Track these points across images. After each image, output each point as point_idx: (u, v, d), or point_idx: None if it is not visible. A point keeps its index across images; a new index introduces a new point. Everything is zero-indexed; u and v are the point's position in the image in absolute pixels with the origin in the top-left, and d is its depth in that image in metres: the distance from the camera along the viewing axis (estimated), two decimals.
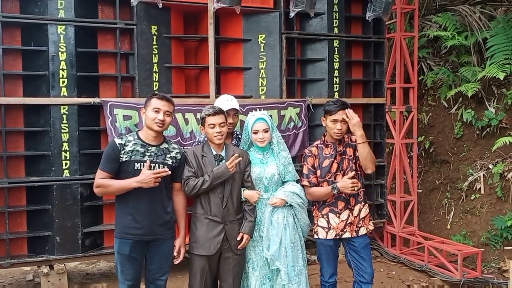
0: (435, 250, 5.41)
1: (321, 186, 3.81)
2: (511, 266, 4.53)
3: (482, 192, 6.13)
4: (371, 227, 3.93)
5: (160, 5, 4.40)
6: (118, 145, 3.36)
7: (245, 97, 5.27)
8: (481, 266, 5.26)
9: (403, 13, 5.98)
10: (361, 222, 3.85)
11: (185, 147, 4.21)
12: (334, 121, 3.72)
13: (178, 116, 4.90)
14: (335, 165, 3.80)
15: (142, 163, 3.37)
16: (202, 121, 3.63)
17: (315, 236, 3.88)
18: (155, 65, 4.95)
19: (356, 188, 3.61)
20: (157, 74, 4.96)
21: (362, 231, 3.85)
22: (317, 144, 3.91)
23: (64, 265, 4.73)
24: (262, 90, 5.39)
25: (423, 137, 6.86)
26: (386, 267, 5.69)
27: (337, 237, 3.80)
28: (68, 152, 4.62)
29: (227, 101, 3.94)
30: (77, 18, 4.61)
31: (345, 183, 3.61)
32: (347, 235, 3.80)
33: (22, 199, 4.69)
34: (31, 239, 4.68)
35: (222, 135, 3.57)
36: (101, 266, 5.77)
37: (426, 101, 7.08)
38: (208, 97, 5.08)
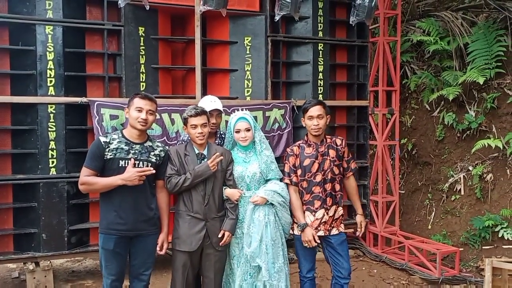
0: (416, 249, 5.54)
1: (301, 184, 3.93)
2: (487, 265, 4.65)
3: (462, 193, 6.28)
4: (341, 229, 4.03)
5: (148, 7, 4.50)
6: (103, 143, 3.44)
7: (231, 99, 5.37)
8: (460, 265, 5.40)
9: (386, 18, 6.12)
10: (333, 223, 3.97)
11: (169, 146, 4.29)
12: (310, 117, 3.85)
13: (164, 116, 4.99)
14: (316, 165, 3.91)
15: (126, 161, 3.45)
16: (184, 121, 3.72)
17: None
18: (142, 66, 5.04)
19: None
20: (144, 74, 5.05)
21: (334, 231, 3.96)
22: (299, 144, 4.02)
23: (50, 262, 4.79)
24: (248, 91, 5.49)
25: (406, 139, 7.01)
26: (368, 265, 5.81)
27: None
28: (54, 151, 4.69)
29: (210, 102, 4.03)
30: (65, 19, 4.68)
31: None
32: (320, 233, 3.91)
33: (8, 196, 4.74)
34: (17, 236, 4.73)
35: (204, 136, 3.66)
36: (87, 264, 5.83)
37: (409, 104, 7.24)
38: (194, 97, 5.17)
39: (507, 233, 5.50)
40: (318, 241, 3.89)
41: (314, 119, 3.83)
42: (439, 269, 5.15)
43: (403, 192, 6.87)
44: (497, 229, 5.60)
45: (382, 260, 5.86)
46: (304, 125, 4.00)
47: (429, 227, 6.43)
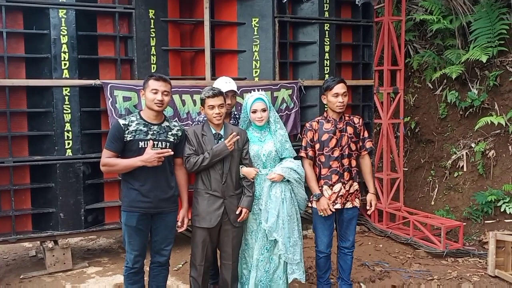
0: (420, 224, 5.71)
1: (319, 158, 4.06)
2: (491, 237, 4.82)
3: (465, 169, 6.43)
4: (356, 203, 4.17)
5: None
6: (122, 125, 3.55)
7: (239, 79, 5.46)
8: (463, 239, 5.58)
9: None
10: (349, 197, 4.11)
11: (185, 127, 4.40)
12: (335, 95, 3.96)
13: (175, 97, 5.08)
14: (334, 140, 4.03)
15: (145, 142, 3.56)
16: (201, 102, 3.82)
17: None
18: (153, 48, 5.13)
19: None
20: (154, 56, 5.14)
21: (348, 205, 4.11)
22: (318, 119, 4.14)
23: (68, 240, 4.93)
24: (256, 72, 5.59)
25: (409, 117, 7.14)
26: (374, 241, 5.98)
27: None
28: (70, 132, 4.80)
29: (225, 83, 4.13)
30: (77, 2, 4.75)
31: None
32: (337, 206, 4.05)
33: (26, 177, 4.88)
34: (36, 216, 4.88)
35: (220, 116, 3.77)
36: (101, 242, 5.99)
37: (412, 83, 7.34)
38: (204, 79, 5.27)
39: (509, 208, 5.65)
40: (334, 210, 4.02)
41: (340, 96, 3.94)
42: (443, 243, 5.33)
43: (406, 169, 7.02)
44: (499, 204, 5.76)
45: (387, 235, 6.04)
46: (325, 102, 4.08)
47: (432, 203, 6.60)
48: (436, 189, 6.67)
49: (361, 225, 6.39)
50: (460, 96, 6.57)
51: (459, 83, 6.68)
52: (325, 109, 4.15)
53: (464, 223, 5.81)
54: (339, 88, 3.96)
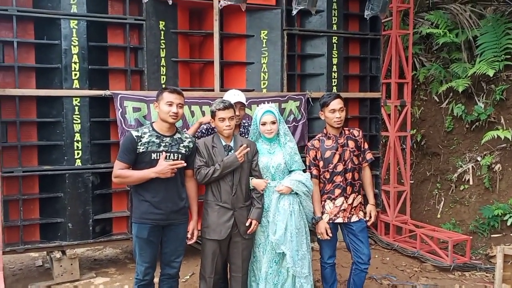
0: (427, 238, 5.71)
1: (323, 175, 4.08)
2: (498, 252, 4.81)
3: (471, 183, 6.44)
4: (361, 216, 4.20)
5: (170, 2, 4.59)
6: (135, 137, 3.57)
7: (248, 91, 5.48)
8: (470, 252, 5.57)
9: (398, 11, 6.23)
10: (353, 210, 4.13)
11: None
12: (332, 110, 4.00)
13: (185, 108, 5.06)
14: (337, 156, 4.06)
15: (158, 153, 3.58)
16: (212, 114, 3.84)
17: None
18: (163, 59, 5.16)
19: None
20: (164, 68, 5.17)
21: (354, 218, 4.13)
22: (319, 137, 4.17)
23: (75, 250, 4.93)
24: (264, 84, 5.62)
25: (415, 130, 7.15)
26: (380, 253, 5.97)
27: (330, 221, 4.08)
28: (80, 142, 4.81)
29: (234, 95, 4.15)
30: (89, 13, 4.78)
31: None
32: (339, 220, 4.09)
33: (35, 187, 4.88)
34: (44, 226, 4.87)
35: (231, 128, 3.80)
36: (107, 253, 5.98)
37: (418, 95, 7.37)
38: (213, 90, 5.30)
39: None
40: (331, 235, 4.06)
41: (337, 112, 3.98)
42: (451, 257, 5.32)
43: (412, 182, 7.02)
44: (506, 217, 5.76)
45: (394, 248, 6.03)
46: (323, 118, 4.14)
47: (438, 216, 6.60)
48: (442, 202, 6.67)
49: (368, 238, 6.37)
50: (467, 110, 6.59)
51: (466, 96, 6.71)
52: (324, 126, 4.18)
53: (471, 237, 5.80)
54: (336, 104, 4.00)
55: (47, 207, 4.87)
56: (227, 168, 3.73)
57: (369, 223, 4.29)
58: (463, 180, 6.54)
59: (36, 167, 4.80)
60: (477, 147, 6.50)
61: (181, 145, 3.71)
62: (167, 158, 3.59)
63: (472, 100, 6.64)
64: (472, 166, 6.46)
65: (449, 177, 6.69)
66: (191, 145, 3.77)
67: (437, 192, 6.80)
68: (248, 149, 3.80)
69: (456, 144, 6.76)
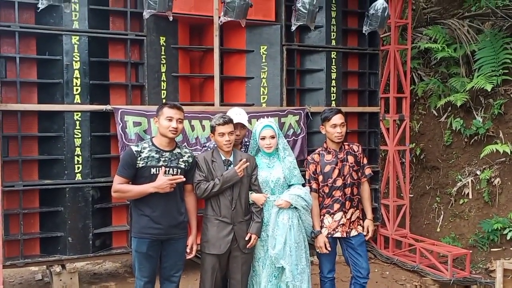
0: (426, 252, 5.71)
1: (322, 190, 4.11)
2: (498, 266, 4.82)
3: (470, 197, 6.45)
4: (360, 230, 4.22)
5: (171, 18, 4.66)
6: (134, 152, 3.60)
7: (247, 105, 5.53)
8: (470, 266, 5.57)
9: (396, 27, 6.29)
10: (351, 224, 4.16)
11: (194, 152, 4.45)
12: (333, 125, 4.04)
13: (185, 122, 5.10)
14: (336, 171, 4.10)
15: (157, 168, 3.61)
16: (212, 130, 3.88)
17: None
18: (163, 74, 5.20)
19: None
20: (165, 82, 5.21)
21: (353, 232, 4.16)
22: (319, 151, 4.21)
23: (75, 264, 4.93)
24: (264, 98, 5.66)
25: (414, 144, 7.18)
26: (380, 267, 5.97)
27: (329, 236, 4.10)
28: (80, 157, 4.84)
29: (236, 115, 4.12)
30: (90, 29, 4.84)
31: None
32: (337, 234, 4.12)
33: (35, 201, 4.89)
34: (44, 240, 4.88)
35: (230, 143, 3.83)
36: (107, 267, 5.98)
37: (417, 109, 7.41)
38: (212, 105, 5.34)
39: None
40: (330, 249, 4.08)
41: (338, 127, 4.02)
42: (450, 271, 5.32)
43: (411, 196, 7.03)
44: (506, 232, 5.76)
45: (394, 262, 6.03)
46: (323, 133, 4.17)
47: (438, 230, 6.60)
48: (442, 216, 6.68)
49: (368, 251, 6.36)
50: (465, 124, 6.63)
51: (464, 110, 6.75)
52: (324, 140, 4.22)
53: (470, 251, 5.80)
54: (337, 119, 4.04)
55: (47, 221, 4.88)
56: (226, 182, 3.76)
57: (366, 238, 4.30)
58: (462, 194, 6.55)
59: (36, 181, 4.82)
60: (476, 161, 6.52)
61: (181, 160, 3.74)
62: (166, 173, 3.62)
63: (470, 114, 6.68)
64: (472, 180, 6.48)
65: (448, 191, 6.71)
66: (190, 159, 3.80)
67: (436, 206, 6.81)
68: (248, 163, 3.83)
69: (455, 158, 6.78)
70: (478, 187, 6.37)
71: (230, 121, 3.84)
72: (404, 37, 6.87)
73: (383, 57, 6.60)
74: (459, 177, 6.61)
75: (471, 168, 6.55)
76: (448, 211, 6.64)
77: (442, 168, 6.92)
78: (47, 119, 4.83)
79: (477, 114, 6.58)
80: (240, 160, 3.81)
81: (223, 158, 3.88)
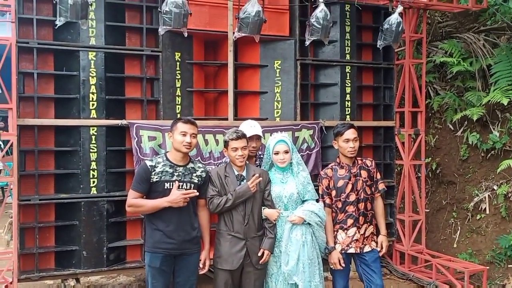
0: (443, 268, 5.63)
1: (336, 205, 4.10)
2: None
3: (487, 212, 6.36)
4: (374, 246, 4.19)
5: (186, 34, 4.71)
6: (149, 167, 3.64)
7: (261, 119, 5.53)
8: (486, 283, 5.47)
9: (411, 41, 6.28)
10: (365, 240, 4.13)
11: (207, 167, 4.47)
12: (346, 140, 4.04)
13: (199, 137, 5.11)
14: (349, 186, 4.08)
15: (171, 183, 3.65)
16: (225, 144, 3.91)
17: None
18: (178, 89, 5.25)
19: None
20: (179, 97, 5.26)
21: (367, 248, 4.13)
22: (332, 166, 4.21)
23: (89, 278, 4.96)
24: (277, 112, 5.67)
25: (430, 158, 7.12)
26: (396, 284, 5.89)
27: (342, 252, 4.07)
28: (95, 171, 4.89)
29: (250, 127, 4.17)
30: (107, 45, 4.91)
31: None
32: (351, 250, 4.10)
33: (51, 214, 4.94)
34: (59, 253, 4.91)
35: (243, 158, 3.85)
36: (121, 280, 6.00)
37: (432, 124, 7.36)
38: (226, 119, 5.36)
39: None
40: (344, 265, 4.05)
41: (350, 141, 4.02)
42: (467, 287, 5.23)
43: (427, 211, 6.95)
44: None
45: (409, 278, 5.94)
46: (336, 147, 4.17)
47: (455, 245, 6.51)
48: (459, 232, 6.59)
49: (383, 267, 6.29)
50: (482, 138, 6.56)
51: (480, 125, 6.68)
52: (337, 155, 4.22)
53: (488, 267, 5.71)
54: (350, 133, 4.04)
55: (62, 234, 4.92)
56: (239, 198, 3.77)
57: (380, 254, 4.27)
58: (479, 209, 6.47)
59: (52, 195, 4.87)
60: (493, 176, 6.44)
61: (194, 174, 3.76)
62: (180, 187, 3.64)
63: (487, 129, 6.61)
64: (489, 195, 6.40)
65: (465, 206, 6.63)
66: (204, 174, 3.83)
67: (453, 221, 6.73)
68: (261, 178, 3.84)
69: (472, 172, 6.70)
70: (495, 202, 6.28)
71: (243, 135, 3.86)
72: (419, 51, 6.83)
73: (398, 71, 6.58)
74: (476, 192, 6.53)
75: (488, 183, 6.47)
76: (465, 226, 6.56)
77: (459, 183, 6.84)
78: (63, 133, 4.90)
79: (493, 129, 6.51)
80: (253, 175, 3.82)
81: (236, 173, 3.89)
